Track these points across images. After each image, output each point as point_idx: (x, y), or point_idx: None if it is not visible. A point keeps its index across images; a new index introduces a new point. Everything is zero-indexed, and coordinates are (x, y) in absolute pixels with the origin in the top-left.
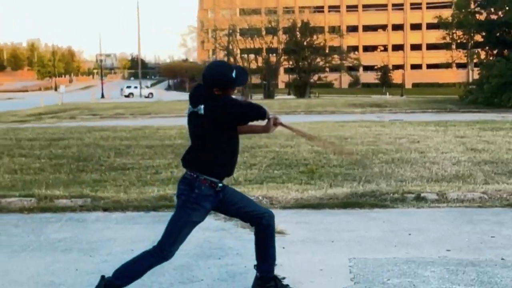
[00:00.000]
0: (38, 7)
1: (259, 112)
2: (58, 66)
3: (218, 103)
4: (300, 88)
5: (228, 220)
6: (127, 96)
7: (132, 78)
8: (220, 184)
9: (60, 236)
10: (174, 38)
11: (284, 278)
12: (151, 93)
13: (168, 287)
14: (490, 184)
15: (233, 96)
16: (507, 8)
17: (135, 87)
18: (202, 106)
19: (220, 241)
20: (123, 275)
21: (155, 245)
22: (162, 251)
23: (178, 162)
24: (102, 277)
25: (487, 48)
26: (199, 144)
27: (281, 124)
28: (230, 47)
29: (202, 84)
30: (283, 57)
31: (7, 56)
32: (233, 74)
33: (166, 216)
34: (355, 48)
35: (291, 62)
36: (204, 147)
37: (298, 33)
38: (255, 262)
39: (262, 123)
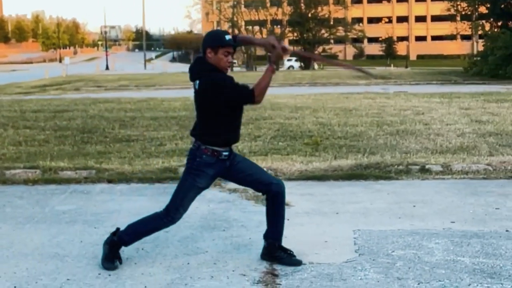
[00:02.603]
0: None
1: (246, 97)
2: (63, 38)
3: (209, 80)
4: (304, 60)
5: (233, 192)
6: (288, 68)
7: (136, 50)
8: (225, 153)
9: (65, 208)
10: (179, 10)
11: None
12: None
13: (173, 258)
14: (494, 156)
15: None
16: None
17: (296, 60)
18: (198, 82)
19: (224, 213)
20: (131, 232)
21: (163, 208)
22: (168, 214)
23: (182, 134)
24: (117, 229)
25: (491, 20)
26: (199, 115)
27: (288, 50)
28: (235, 18)
29: (201, 57)
30: (287, 28)
31: (12, 28)
32: (226, 36)
33: (170, 188)
34: (359, 20)
35: (295, 34)
36: (203, 118)
37: (302, 4)
38: (263, 233)
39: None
